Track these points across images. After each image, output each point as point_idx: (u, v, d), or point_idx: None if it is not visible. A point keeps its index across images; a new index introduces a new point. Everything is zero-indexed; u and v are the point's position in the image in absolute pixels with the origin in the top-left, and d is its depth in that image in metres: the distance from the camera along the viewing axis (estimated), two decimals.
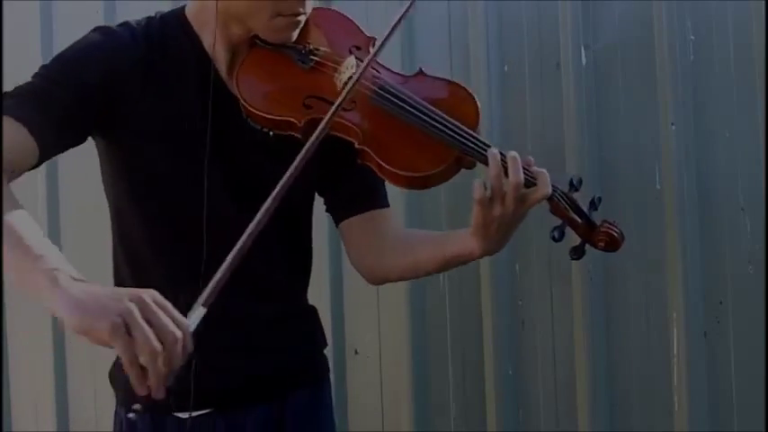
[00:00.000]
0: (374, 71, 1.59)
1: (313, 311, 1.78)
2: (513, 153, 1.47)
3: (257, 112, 1.56)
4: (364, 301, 2.38)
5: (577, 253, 1.57)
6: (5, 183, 1.37)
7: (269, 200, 1.31)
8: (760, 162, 2.01)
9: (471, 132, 1.53)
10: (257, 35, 1.61)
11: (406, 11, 1.54)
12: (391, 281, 1.76)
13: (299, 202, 1.69)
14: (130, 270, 1.65)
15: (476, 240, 1.54)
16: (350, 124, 1.53)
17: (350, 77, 1.53)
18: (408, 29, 2.28)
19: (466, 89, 1.62)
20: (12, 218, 1.31)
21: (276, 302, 1.66)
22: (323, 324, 1.79)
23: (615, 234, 1.55)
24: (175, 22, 1.65)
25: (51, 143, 1.48)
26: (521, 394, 2.24)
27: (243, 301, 1.58)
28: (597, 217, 1.55)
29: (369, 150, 1.53)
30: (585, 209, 1.55)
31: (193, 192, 1.57)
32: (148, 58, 1.58)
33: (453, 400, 2.31)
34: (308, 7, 1.60)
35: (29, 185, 1.63)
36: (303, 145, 1.40)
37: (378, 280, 1.76)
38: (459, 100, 1.60)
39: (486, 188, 1.47)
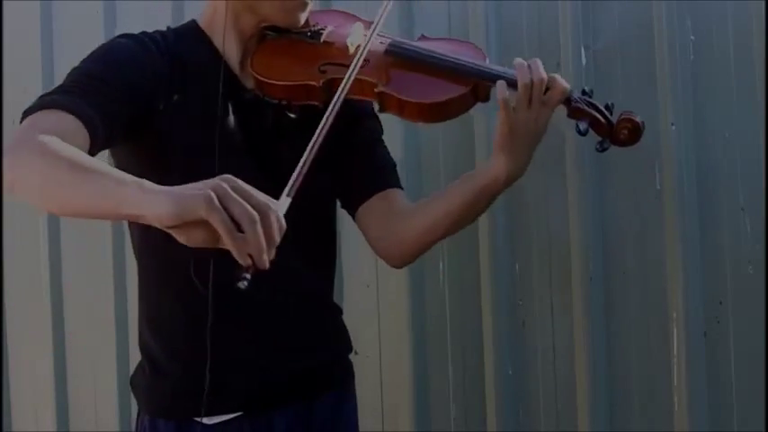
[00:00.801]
0: (381, 38, 1.67)
1: (338, 310, 1.78)
2: (533, 59, 1.59)
3: (274, 82, 1.61)
4: (364, 301, 2.38)
5: (603, 146, 1.66)
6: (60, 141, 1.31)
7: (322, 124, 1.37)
8: (760, 162, 2.01)
9: (484, 63, 1.65)
10: (266, 28, 1.65)
11: None
12: (415, 252, 1.75)
13: (320, 191, 1.68)
14: (158, 272, 1.65)
15: (501, 160, 1.59)
16: (366, 78, 1.59)
17: (367, 34, 1.60)
18: (408, 29, 2.28)
19: (468, 42, 1.78)
20: (70, 153, 1.29)
21: (300, 296, 1.66)
22: None
23: (636, 120, 1.64)
24: (189, 33, 1.69)
25: (101, 137, 1.44)
26: (521, 394, 2.24)
27: (272, 296, 1.57)
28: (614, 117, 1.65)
29: (387, 91, 1.60)
30: (602, 107, 1.65)
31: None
32: (171, 67, 1.60)
33: (453, 400, 2.31)
34: None
35: None
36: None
37: (402, 257, 1.76)
38: (465, 48, 1.72)
39: (507, 90, 1.56)
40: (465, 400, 2.30)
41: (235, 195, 1.15)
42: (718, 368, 2.06)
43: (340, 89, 1.45)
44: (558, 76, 1.60)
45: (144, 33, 1.65)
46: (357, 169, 1.73)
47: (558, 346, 2.21)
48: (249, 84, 1.65)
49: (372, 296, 2.37)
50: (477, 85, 1.62)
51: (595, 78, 2.15)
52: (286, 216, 1.23)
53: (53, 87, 1.49)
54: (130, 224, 1.68)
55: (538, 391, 2.23)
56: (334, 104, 1.42)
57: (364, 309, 2.38)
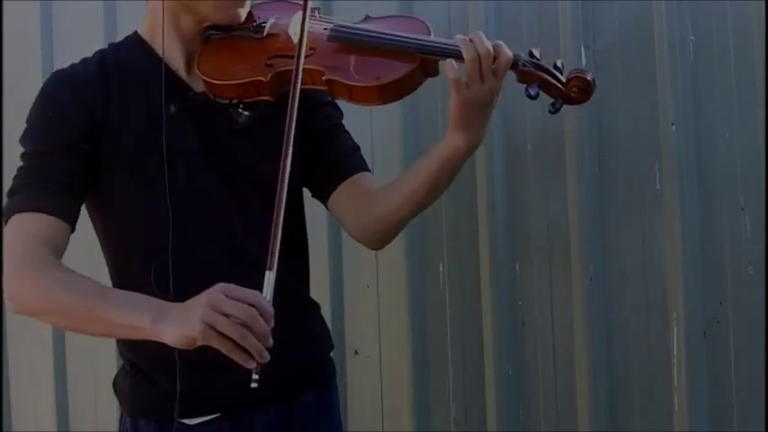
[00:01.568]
0: (324, 23, 1.67)
1: (317, 307, 1.78)
2: (473, 33, 1.58)
3: (223, 83, 1.61)
4: (364, 301, 2.38)
5: (555, 107, 1.64)
6: (56, 261, 1.54)
7: (285, 148, 1.44)
8: (760, 162, 2.01)
9: (429, 38, 1.63)
10: (209, 27, 1.65)
11: None
12: (392, 231, 1.76)
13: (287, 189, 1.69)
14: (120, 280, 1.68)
15: (458, 133, 1.59)
16: (313, 67, 1.59)
17: (302, 19, 1.58)
18: None
19: (413, 17, 1.77)
20: (88, 285, 1.51)
21: (281, 296, 1.65)
22: None
23: (586, 77, 1.63)
24: (128, 44, 1.71)
25: (75, 209, 1.61)
26: (521, 394, 2.24)
27: None
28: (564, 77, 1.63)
29: (336, 78, 1.59)
30: (551, 68, 1.63)
31: (182, 197, 1.59)
32: (107, 86, 1.62)
33: (453, 400, 2.31)
34: None
35: None
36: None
37: (379, 237, 1.76)
38: (409, 24, 1.70)
39: (455, 69, 1.55)
40: (465, 400, 2.30)
41: (221, 319, 1.35)
42: (718, 368, 2.06)
43: (291, 93, 1.47)
44: (500, 43, 1.58)
45: (80, 62, 1.68)
46: (321, 159, 1.73)
47: (558, 346, 2.21)
48: (198, 86, 1.65)
49: (372, 296, 2.37)
50: (424, 60, 1.60)
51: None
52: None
53: (13, 180, 1.62)
54: (99, 240, 1.70)
55: (538, 391, 2.23)
56: (290, 110, 1.45)
57: (364, 309, 2.38)
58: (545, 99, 1.66)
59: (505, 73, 1.58)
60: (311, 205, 1.82)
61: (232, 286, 1.38)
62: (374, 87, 1.60)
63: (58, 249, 1.56)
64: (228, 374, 1.59)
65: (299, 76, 1.49)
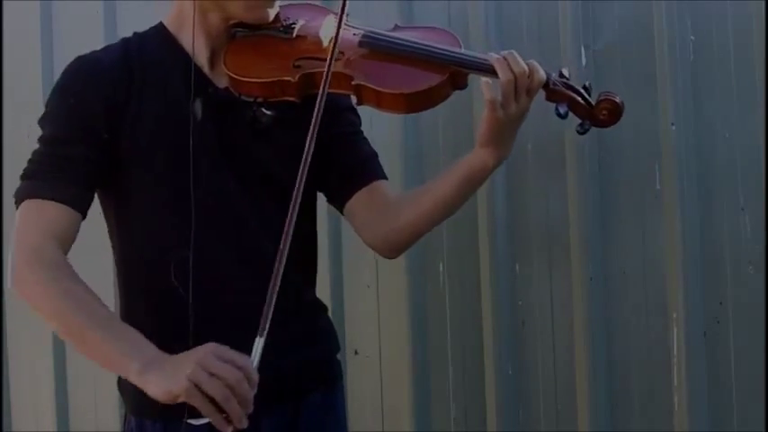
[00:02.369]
0: (354, 29, 1.65)
1: (325, 308, 1.78)
2: (507, 51, 1.56)
3: (249, 80, 1.60)
4: (364, 301, 2.38)
5: (583, 128, 1.63)
6: (68, 266, 1.53)
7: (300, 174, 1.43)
8: (760, 162, 2.01)
9: (460, 50, 1.62)
10: (236, 25, 1.64)
11: None
12: (409, 242, 1.75)
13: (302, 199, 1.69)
14: (137, 278, 1.67)
15: (488, 149, 1.59)
16: (343, 71, 1.58)
17: (337, 24, 1.57)
18: None
19: (441, 28, 1.74)
20: (91, 305, 1.49)
21: (285, 297, 1.65)
22: None
23: (616, 100, 1.61)
24: (153, 34, 1.69)
25: (88, 198, 1.60)
26: (521, 394, 2.24)
27: (255, 299, 1.57)
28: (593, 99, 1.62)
29: (364, 83, 1.58)
30: (581, 88, 1.61)
31: (198, 194, 1.58)
32: (129, 76, 1.61)
33: (453, 400, 2.31)
34: None
35: None
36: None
37: (395, 247, 1.75)
38: (439, 36, 1.68)
39: (492, 89, 1.54)
40: (465, 400, 2.30)
41: (208, 379, 1.34)
42: (718, 368, 2.06)
43: (320, 96, 1.45)
44: (534, 62, 1.57)
45: (103, 49, 1.67)
46: (340, 165, 1.72)
47: (558, 346, 2.21)
48: (221, 83, 1.64)
49: (372, 296, 2.37)
50: (454, 73, 1.59)
51: (595, 78, 2.15)
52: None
53: (29, 162, 1.60)
54: (110, 234, 1.69)
55: (538, 391, 2.23)
56: (317, 116, 1.44)
57: (364, 309, 2.38)
58: (573, 119, 1.65)
59: (537, 92, 1.58)
60: None
61: (223, 348, 1.38)
62: (402, 95, 1.58)
63: (69, 240, 1.57)
64: None
65: (328, 79, 1.48)
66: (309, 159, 1.43)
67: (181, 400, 1.37)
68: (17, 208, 1.59)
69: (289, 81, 1.58)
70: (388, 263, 2.31)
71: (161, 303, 1.61)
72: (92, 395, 2.75)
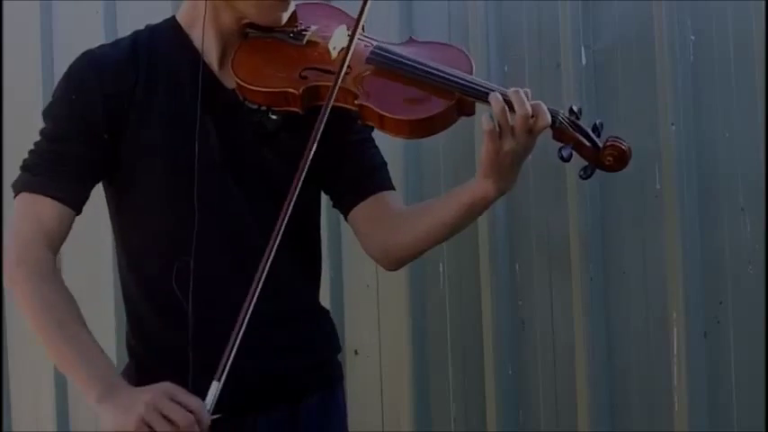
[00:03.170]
0: (365, 41, 1.62)
1: (326, 313, 1.78)
2: (515, 88, 1.50)
3: (254, 88, 1.58)
4: (364, 301, 2.38)
5: (587, 173, 1.57)
6: (53, 270, 1.56)
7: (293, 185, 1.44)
8: (760, 162, 2.01)
9: (470, 77, 1.56)
10: (248, 25, 1.62)
11: None
12: (408, 257, 1.74)
13: (305, 198, 1.68)
14: (137, 282, 1.66)
15: (489, 180, 1.54)
16: (347, 87, 1.55)
17: (348, 40, 1.55)
18: (408, 29, 2.28)
19: (456, 46, 1.68)
20: (66, 316, 1.53)
21: (285, 301, 1.65)
22: None
23: (623, 147, 1.55)
24: (165, 28, 1.67)
25: (84, 196, 1.61)
26: (521, 394, 2.24)
27: (256, 304, 1.57)
28: (601, 140, 1.55)
29: (368, 104, 1.54)
30: (589, 130, 1.55)
31: (199, 188, 1.58)
32: (135, 72, 1.60)
33: (453, 400, 2.31)
34: None
35: None
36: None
37: (395, 261, 1.74)
38: (451, 56, 1.63)
39: (493, 120, 1.49)
40: (465, 400, 2.30)
41: (159, 420, 1.39)
42: (718, 368, 2.06)
43: (321, 115, 1.44)
44: (540, 104, 1.51)
45: (112, 43, 1.66)
46: (348, 171, 1.70)
47: (558, 346, 2.21)
48: (229, 83, 1.62)
49: (372, 296, 2.37)
50: (461, 100, 1.54)
51: (595, 78, 2.15)
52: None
53: (29, 153, 1.62)
54: (115, 235, 1.69)
55: (538, 391, 2.23)
56: (316, 133, 1.42)
57: (364, 309, 2.38)
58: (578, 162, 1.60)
59: (540, 133, 1.52)
60: None
61: (178, 389, 1.42)
62: (406, 122, 1.54)
63: (60, 237, 1.59)
64: (232, 375, 1.59)
65: (333, 95, 1.47)
66: (307, 167, 1.42)
67: None
68: (14, 198, 1.61)
69: (293, 93, 1.56)
70: None
71: (162, 306, 1.61)
72: None
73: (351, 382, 2.38)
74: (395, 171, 1.78)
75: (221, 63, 1.63)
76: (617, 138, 1.56)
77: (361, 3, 1.56)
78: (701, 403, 2.05)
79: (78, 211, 1.60)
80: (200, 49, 1.61)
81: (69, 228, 1.60)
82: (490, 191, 1.55)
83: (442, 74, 1.55)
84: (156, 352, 1.64)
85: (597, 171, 1.57)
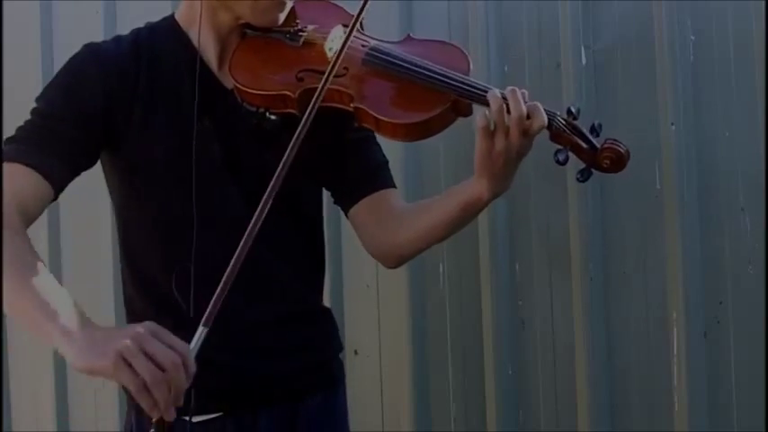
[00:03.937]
0: (363, 40, 1.60)
1: (328, 313, 1.78)
2: (511, 87, 1.48)
3: (251, 91, 1.57)
4: (364, 301, 2.38)
5: (584, 175, 1.55)
6: (24, 229, 1.44)
7: (271, 184, 1.36)
8: (760, 162, 2.01)
9: (465, 77, 1.54)
10: (246, 24, 1.62)
11: None
12: (409, 255, 1.74)
13: (306, 197, 1.69)
14: (136, 283, 1.66)
15: (483, 181, 1.53)
16: (343, 89, 1.54)
17: (341, 43, 1.51)
18: (408, 29, 2.28)
19: (454, 44, 1.65)
20: (26, 266, 1.38)
21: (287, 302, 1.65)
22: None
23: (620, 150, 1.53)
24: (164, 27, 1.67)
25: (66, 178, 1.54)
26: (521, 394, 2.24)
27: (253, 301, 1.58)
28: (599, 142, 1.54)
29: (364, 107, 1.53)
30: (586, 132, 1.54)
31: (198, 191, 1.57)
32: (136, 69, 1.59)
33: (453, 400, 2.31)
34: None
35: None
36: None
37: (394, 259, 1.74)
38: (449, 55, 1.61)
39: (488, 118, 1.47)
40: (465, 400, 2.30)
41: (139, 355, 1.23)
42: (718, 368, 2.06)
43: (308, 109, 1.40)
44: (536, 105, 1.48)
45: (113, 39, 1.65)
46: (349, 169, 1.70)
47: (558, 346, 2.21)
48: (228, 83, 1.62)
49: (372, 296, 2.37)
50: (457, 101, 1.53)
51: (595, 78, 2.15)
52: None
53: (17, 130, 1.57)
54: (119, 234, 1.69)
55: (538, 391, 2.23)
56: (302, 126, 1.38)
57: (364, 309, 2.38)
58: (575, 164, 1.59)
59: (536, 134, 1.50)
60: None
61: (163, 330, 1.27)
62: (402, 125, 1.54)
63: (34, 213, 1.50)
64: (233, 373, 1.59)
65: (321, 96, 1.43)
66: (290, 163, 1.37)
67: (105, 376, 1.27)
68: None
69: (290, 96, 1.56)
70: None
71: (162, 308, 1.60)
72: (92, 395, 2.75)
73: (351, 382, 2.36)
74: (395, 171, 1.78)
75: (220, 63, 1.63)
76: (615, 140, 1.55)
77: (361, 3, 1.54)
78: (701, 403, 2.05)
79: (56, 193, 1.53)
80: (199, 49, 1.61)
81: (42, 208, 1.52)
82: (484, 192, 1.54)
83: (437, 75, 1.54)
84: None
85: (595, 173, 1.56)
